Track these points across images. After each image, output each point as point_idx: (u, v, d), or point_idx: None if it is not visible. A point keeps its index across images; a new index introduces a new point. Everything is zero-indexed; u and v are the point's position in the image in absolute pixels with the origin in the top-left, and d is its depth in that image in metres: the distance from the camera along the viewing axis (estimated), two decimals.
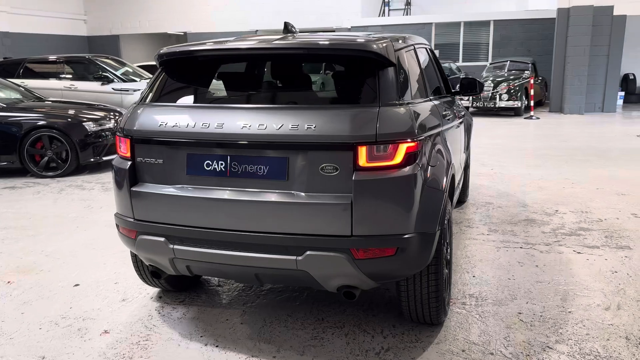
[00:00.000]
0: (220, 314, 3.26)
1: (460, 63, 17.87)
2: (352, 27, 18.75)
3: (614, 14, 13.24)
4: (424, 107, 2.85)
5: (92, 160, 7.35)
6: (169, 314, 3.27)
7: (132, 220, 2.81)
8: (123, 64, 11.07)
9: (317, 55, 2.71)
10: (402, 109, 2.53)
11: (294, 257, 2.50)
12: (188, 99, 2.98)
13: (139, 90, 9.99)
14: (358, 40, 2.68)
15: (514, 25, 17.07)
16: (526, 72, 14.32)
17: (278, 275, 2.69)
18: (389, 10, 23.72)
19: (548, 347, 2.82)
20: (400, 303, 2.89)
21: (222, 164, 2.61)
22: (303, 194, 2.49)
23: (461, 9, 20.48)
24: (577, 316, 3.14)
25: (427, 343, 2.89)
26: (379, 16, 22.19)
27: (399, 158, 2.45)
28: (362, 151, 2.41)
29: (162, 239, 2.71)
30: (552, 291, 3.47)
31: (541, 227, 4.80)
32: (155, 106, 2.84)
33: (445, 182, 2.81)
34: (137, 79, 10.48)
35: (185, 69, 2.97)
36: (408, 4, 23.46)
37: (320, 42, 2.74)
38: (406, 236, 2.49)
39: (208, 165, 2.64)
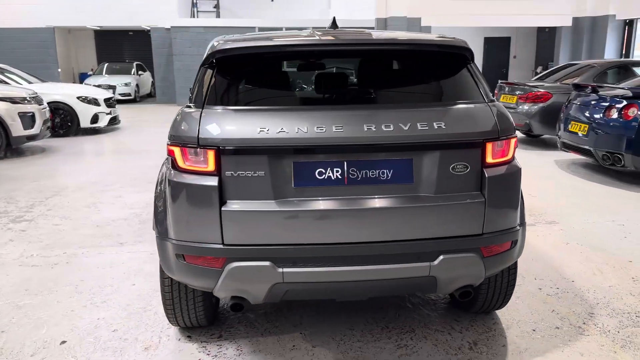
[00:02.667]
0: (279, 341, 2.90)
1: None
2: (172, 27, 17.78)
3: (422, 24, 15.15)
4: None
5: None
6: (221, 353, 2.79)
7: (219, 246, 2.32)
8: None
9: (413, 51, 2.58)
10: (500, 105, 2.60)
11: (427, 264, 2.39)
12: (275, 101, 2.56)
13: None
14: (447, 37, 2.66)
15: None
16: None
17: (400, 286, 2.53)
18: (197, 12, 23.17)
19: (591, 313, 3.20)
20: (478, 296, 2.95)
21: (338, 171, 2.34)
22: (434, 195, 2.38)
23: (266, 14, 21.02)
24: (582, 284, 3.61)
25: (501, 330, 3.02)
26: (190, 17, 21.50)
27: (511, 153, 2.52)
28: (489, 148, 2.42)
29: (268, 263, 2.31)
30: (542, 266, 3.92)
31: None
32: (241, 111, 2.39)
33: None
34: None
35: (254, 67, 2.56)
36: (217, 6, 23.24)
37: (419, 38, 2.63)
38: (517, 228, 2.58)
39: (321, 173, 2.34)
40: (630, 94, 6.20)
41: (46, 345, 2.87)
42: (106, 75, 19.41)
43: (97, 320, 3.13)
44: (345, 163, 2.34)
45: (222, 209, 2.30)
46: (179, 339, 2.93)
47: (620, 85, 6.82)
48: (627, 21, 15.25)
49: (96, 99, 11.07)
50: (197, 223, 2.35)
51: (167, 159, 2.97)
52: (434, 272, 2.40)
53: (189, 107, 2.51)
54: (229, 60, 2.49)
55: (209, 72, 2.50)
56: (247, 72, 2.55)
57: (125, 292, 3.51)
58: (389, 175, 2.37)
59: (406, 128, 2.33)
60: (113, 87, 17.93)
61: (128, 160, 8.44)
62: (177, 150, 2.38)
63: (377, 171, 2.36)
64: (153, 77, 21.81)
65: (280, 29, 18.55)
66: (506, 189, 2.49)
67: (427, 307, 3.27)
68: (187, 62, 18.07)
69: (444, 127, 2.36)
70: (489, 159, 2.42)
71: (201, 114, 2.37)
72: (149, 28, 19.38)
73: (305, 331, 3.00)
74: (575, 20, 15.96)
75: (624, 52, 15.26)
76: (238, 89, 2.53)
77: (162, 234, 2.52)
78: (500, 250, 2.53)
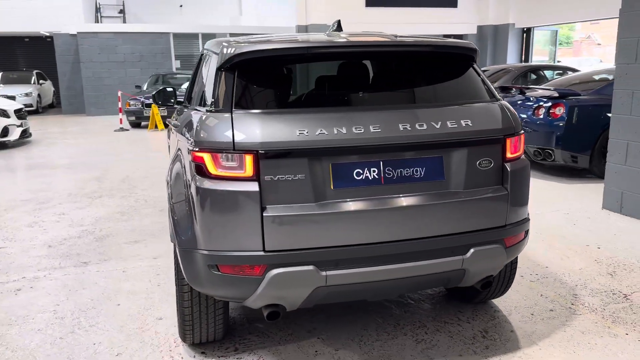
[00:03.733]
0: (300, 348, 2.84)
1: None
2: (78, 32, 16.71)
3: None
4: None
5: None
6: None
7: (260, 253, 2.24)
8: None
9: (434, 53, 2.62)
10: (507, 103, 2.75)
11: (460, 257, 2.46)
12: (306, 102, 2.50)
13: None
14: (457, 40, 2.76)
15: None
16: None
17: (431, 281, 2.58)
18: (101, 17, 22.00)
19: (574, 294, 3.46)
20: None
21: (374, 171, 2.35)
22: (463, 191, 2.47)
23: (175, 20, 20.45)
24: (556, 269, 3.89)
25: (504, 317, 3.18)
26: (95, 23, 20.34)
27: (522, 148, 2.68)
28: (509, 143, 2.55)
29: (311, 267, 2.27)
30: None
31: None
32: (278, 113, 2.32)
33: None
34: None
35: (281, 69, 2.50)
36: (122, 12, 22.22)
37: (439, 40, 2.69)
38: (528, 218, 2.74)
39: (358, 174, 2.34)
40: (556, 94, 6.77)
41: None
42: (1, 85, 17.81)
43: (94, 346, 2.88)
44: (381, 163, 2.36)
45: (264, 214, 2.22)
46: (194, 357, 2.77)
47: (546, 86, 7.43)
48: (525, 29, 16.66)
49: (5, 111, 10.16)
50: (235, 231, 2.25)
51: (176, 164, 2.82)
52: (466, 264, 2.49)
53: (211, 111, 2.40)
54: (254, 63, 2.40)
55: (230, 75, 2.40)
56: (273, 74, 2.49)
57: (112, 314, 3.26)
58: (422, 173, 2.42)
59: (438, 126, 2.40)
60: (12, 98, 16.45)
61: (53, 175, 7.82)
62: (207, 157, 2.26)
63: (411, 169, 2.40)
64: (55, 86, 20.39)
65: (196, 35, 18.12)
66: (522, 181, 2.64)
67: (428, 302, 3.37)
68: (97, 70, 17.10)
69: (470, 124, 2.46)
70: (509, 154, 2.56)
71: (232, 118, 2.28)
72: (49, 34, 18.08)
73: (322, 336, 2.96)
74: (480, 28, 17.15)
75: (523, 58, 16.64)
76: (266, 91, 2.46)
77: (186, 245, 2.39)
78: (517, 241, 2.67)
